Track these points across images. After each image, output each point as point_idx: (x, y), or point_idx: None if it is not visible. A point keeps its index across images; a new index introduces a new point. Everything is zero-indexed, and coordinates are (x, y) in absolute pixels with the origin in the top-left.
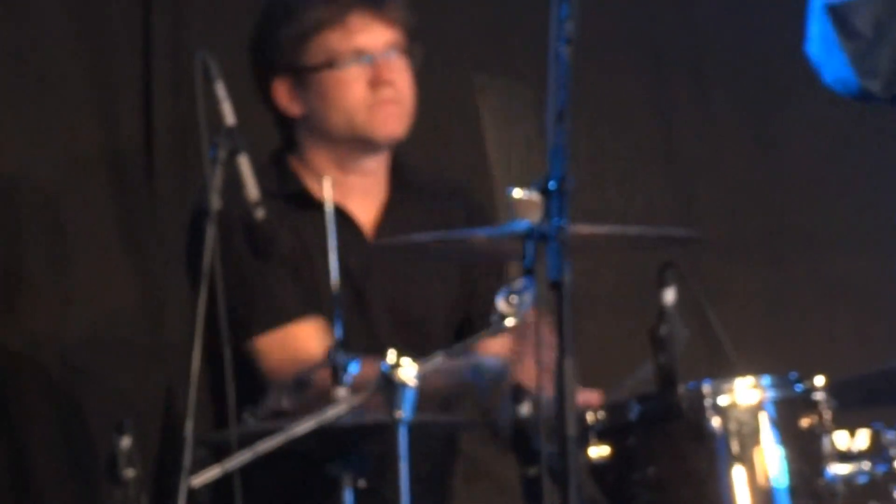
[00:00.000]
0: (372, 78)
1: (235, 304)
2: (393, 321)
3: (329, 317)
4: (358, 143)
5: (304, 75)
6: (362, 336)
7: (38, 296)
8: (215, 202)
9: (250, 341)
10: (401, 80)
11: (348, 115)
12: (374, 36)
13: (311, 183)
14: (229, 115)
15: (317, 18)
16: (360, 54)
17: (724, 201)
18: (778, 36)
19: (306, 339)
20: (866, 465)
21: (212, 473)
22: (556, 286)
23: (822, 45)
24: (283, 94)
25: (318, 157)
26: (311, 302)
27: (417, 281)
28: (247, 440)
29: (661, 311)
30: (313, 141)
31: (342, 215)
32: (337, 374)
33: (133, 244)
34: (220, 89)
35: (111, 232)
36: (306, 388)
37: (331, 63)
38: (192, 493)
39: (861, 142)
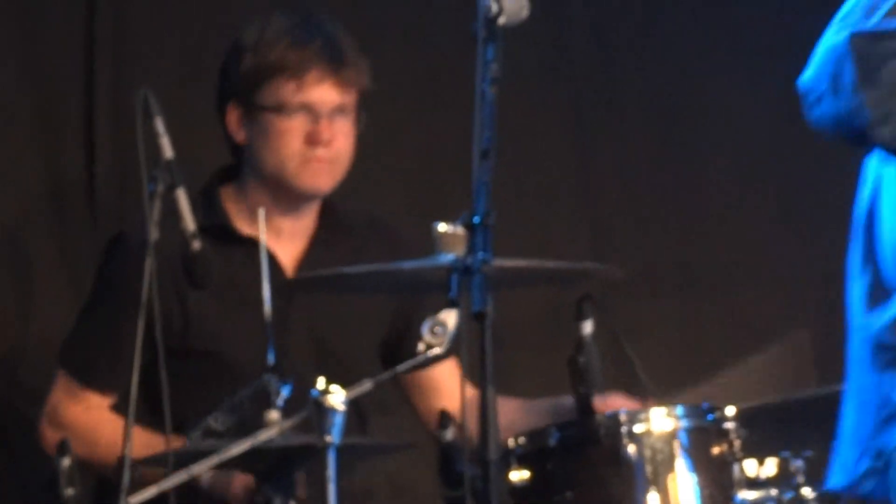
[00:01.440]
0: (311, 133)
1: (79, 331)
2: (314, 354)
3: (253, 344)
4: (286, 191)
5: (253, 110)
6: (286, 369)
7: None
8: (154, 233)
9: (60, 366)
10: (339, 140)
11: (281, 160)
12: (325, 95)
13: (237, 217)
14: (168, 150)
15: (277, 62)
16: (307, 108)
17: (638, 236)
18: (693, 74)
19: (86, 408)
20: (774, 491)
21: (149, 493)
22: (479, 317)
23: (824, 75)
24: (233, 120)
25: (255, 189)
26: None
27: (341, 316)
28: (183, 461)
29: (579, 342)
30: (252, 175)
31: (274, 261)
32: (269, 398)
33: (75, 273)
34: (160, 125)
35: (54, 261)
36: (238, 411)
37: (278, 108)
38: None
39: (773, 179)
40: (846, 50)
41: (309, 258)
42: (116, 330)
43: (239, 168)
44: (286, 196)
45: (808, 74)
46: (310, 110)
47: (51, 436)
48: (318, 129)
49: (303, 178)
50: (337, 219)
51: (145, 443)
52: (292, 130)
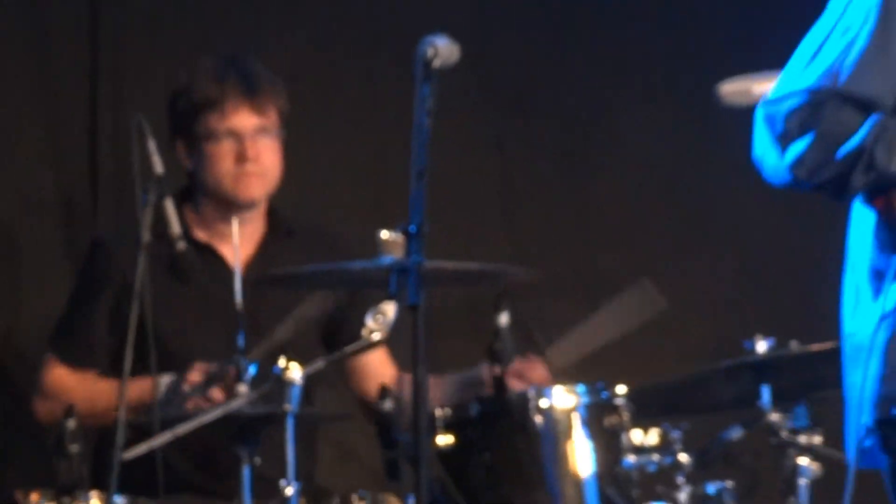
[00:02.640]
0: (238, 154)
1: (62, 320)
2: (287, 349)
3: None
4: (225, 202)
5: (192, 141)
6: (235, 352)
7: (13, 310)
8: (146, 236)
9: (49, 350)
10: (264, 155)
11: (217, 180)
12: (244, 119)
13: (195, 228)
14: (158, 166)
15: (202, 99)
16: (232, 133)
17: (548, 243)
18: (599, 103)
19: (70, 383)
20: (656, 457)
21: (139, 449)
22: (413, 309)
23: (761, 144)
24: (181, 151)
25: (205, 204)
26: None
27: (287, 307)
28: (168, 423)
29: (496, 331)
30: (201, 191)
31: (214, 255)
32: (239, 374)
33: (78, 269)
34: (151, 145)
35: (61, 259)
36: (214, 383)
37: (209, 137)
38: (123, 465)
39: (665, 193)
40: (761, 117)
41: (257, 259)
42: (93, 317)
43: (192, 189)
44: (228, 207)
45: (753, 149)
46: (234, 134)
47: (41, 406)
48: (244, 148)
49: (238, 191)
50: (282, 225)
51: (136, 392)
52: (223, 153)
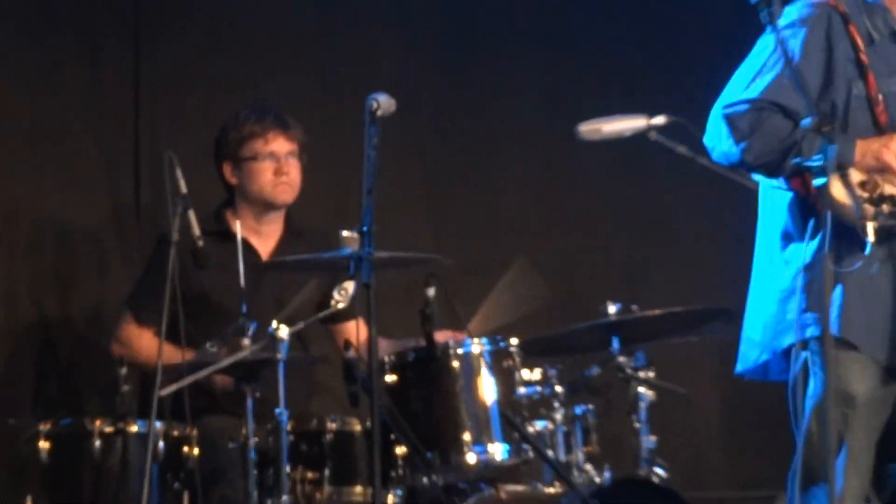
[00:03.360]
0: (276, 170)
1: (137, 288)
2: (274, 307)
3: (238, 303)
4: (265, 205)
5: (239, 162)
6: (254, 315)
7: (80, 290)
8: (175, 236)
9: (126, 308)
10: (293, 172)
11: (261, 188)
12: (280, 146)
13: (233, 226)
14: (183, 188)
15: (249, 132)
16: (271, 155)
17: (462, 236)
18: (497, 120)
19: (139, 337)
20: (539, 388)
21: (172, 388)
22: (367, 286)
23: (716, 135)
24: (228, 171)
25: (244, 210)
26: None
27: (291, 284)
28: (193, 368)
29: (426, 301)
30: (242, 201)
31: (248, 246)
32: (244, 330)
33: (129, 257)
34: (178, 172)
35: (116, 251)
36: (228, 339)
37: (254, 158)
38: (161, 400)
39: (548, 193)
40: (719, 115)
41: (278, 251)
42: (157, 288)
43: (232, 199)
44: (265, 209)
45: (706, 137)
46: (273, 156)
47: (117, 350)
48: (280, 166)
49: (275, 196)
50: (295, 228)
51: (171, 355)
52: (265, 170)
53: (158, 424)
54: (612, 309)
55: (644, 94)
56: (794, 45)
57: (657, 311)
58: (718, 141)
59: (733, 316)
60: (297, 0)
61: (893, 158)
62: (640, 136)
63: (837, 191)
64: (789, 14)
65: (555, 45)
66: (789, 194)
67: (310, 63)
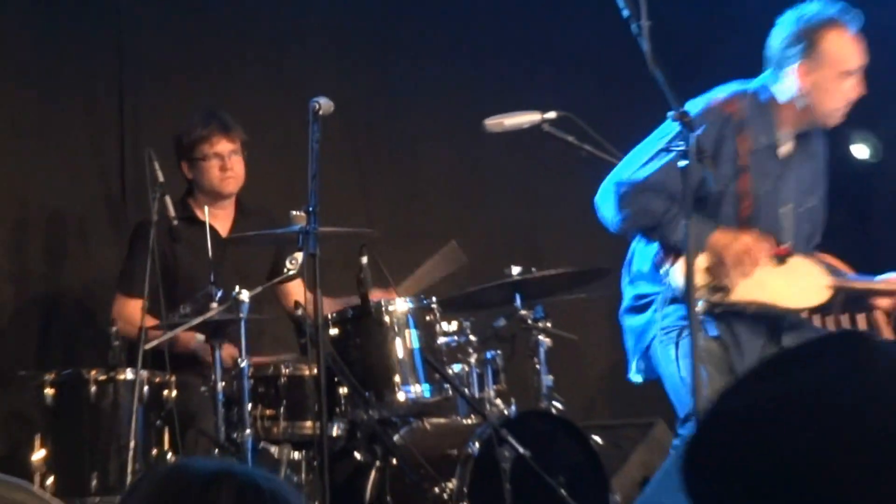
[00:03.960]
0: (221, 166)
1: (124, 270)
2: (236, 276)
3: (206, 275)
4: (216, 195)
5: (193, 161)
6: (219, 283)
7: (77, 264)
8: (154, 217)
9: (117, 290)
10: (236, 166)
11: (211, 182)
12: (223, 146)
13: (197, 212)
14: (160, 178)
15: (198, 136)
16: (216, 155)
17: (390, 213)
18: (419, 111)
19: (133, 309)
20: (455, 337)
21: (154, 343)
22: (312, 256)
23: (605, 200)
24: (185, 168)
25: (201, 199)
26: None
27: (249, 256)
28: (173, 326)
29: (360, 267)
30: (198, 191)
31: (211, 228)
32: (212, 296)
33: (116, 239)
34: (156, 165)
35: (105, 233)
36: (198, 305)
37: (203, 158)
38: (145, 353)
39: (479, 166)
40: (612, 185)
41: (233, 229)
42: (140, 265)
43: (192, 190)
44: (217, 198)
45: (597, 197)
46: (218, 155)
47: (121, 328)
48: (224, 163)
49: (223, 187)
50: (244, 209)
51: (152, 318)
52: (213, 167)
53: (143, 373)
54: (515, 270)
55: (538, 93)
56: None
57: (551, 272)
58: (605, 206)
59: (612, 274)
60: (256, 17)
61: (730, 258)
62: (535, 128)
63: (679, 269)
64: (695, 105)
65: (465, 53)
66: (655, 248)
67: (265, 70)
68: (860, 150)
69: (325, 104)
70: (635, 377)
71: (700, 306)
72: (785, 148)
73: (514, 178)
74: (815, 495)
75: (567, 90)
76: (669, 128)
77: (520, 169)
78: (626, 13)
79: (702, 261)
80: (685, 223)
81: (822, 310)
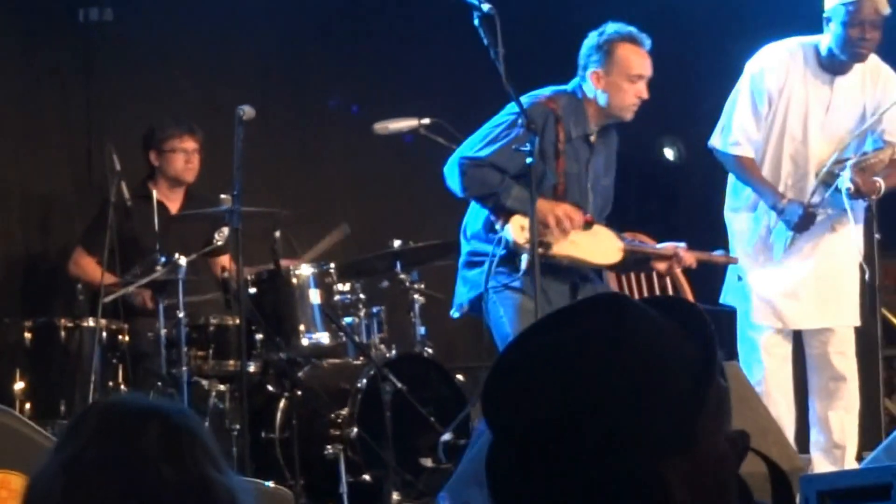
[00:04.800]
0: (185, 160)
1: (86, 231)
2: (180, 246)
3: (152, 248)
4: (177, 181)
5: (162, 152)
6: (164, 251)
7: (53, 234)
8: (112, 198)
9: (79, 244)
10: (195, 161)
11: (175, 171)
12: (189, 144)
13: (156, 193)
14: (118, 166)
15: (171, 134)
16: (184, 150)
17: (299, 194)
18: (320, 120)
19: (87, 263)
20: (348, 296)
21: (111, 297)
22: (236, 230)
23: (451, 174)
24: (153, 156)
25: (161, 183)
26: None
27: (192, 231)
28: (129, 283)
29: (274, 240)
30: (161, 177)
31: (163, 206)
32: (157, 261)
33: (83, 215)
34: (115, 157)
35: (75, 210)
36: (146, 268)
37: (173, 151)
38: (104, 305)
39: (369, 161)
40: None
41: (182, 208)
42: (100, 232)
43: (153, 175)
44: (176, 184)
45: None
46: (185, 151)
47: (72, 270)
48: (188, 158)
49: (185, 176)
50: (191, 193)
51: (109, 277)
52: (178, 159)
53: (102, 321)
54: (396, 243)
55: (418, 100)
56: (515, 125)
57: (424, 244)
58: (451, 177)
59: None
60: (196, 35)
61: (552, 220)
62: (414, 131)
63: (510, 227)
64: (526, 100)
65: (361, 66)
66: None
67: (202, 79)
68: (669, 154)
69: (248, 110)
70: (455, 314)
71: (524, 261)
72: (593, 137)
73: (397, 170)
74: (577, 436)
75: (439, 99)
76: (504, 116)
77: (401, 162)
78: (485, 41)
79: (525, 222)
80: (519, 197)
81: (617, 268)
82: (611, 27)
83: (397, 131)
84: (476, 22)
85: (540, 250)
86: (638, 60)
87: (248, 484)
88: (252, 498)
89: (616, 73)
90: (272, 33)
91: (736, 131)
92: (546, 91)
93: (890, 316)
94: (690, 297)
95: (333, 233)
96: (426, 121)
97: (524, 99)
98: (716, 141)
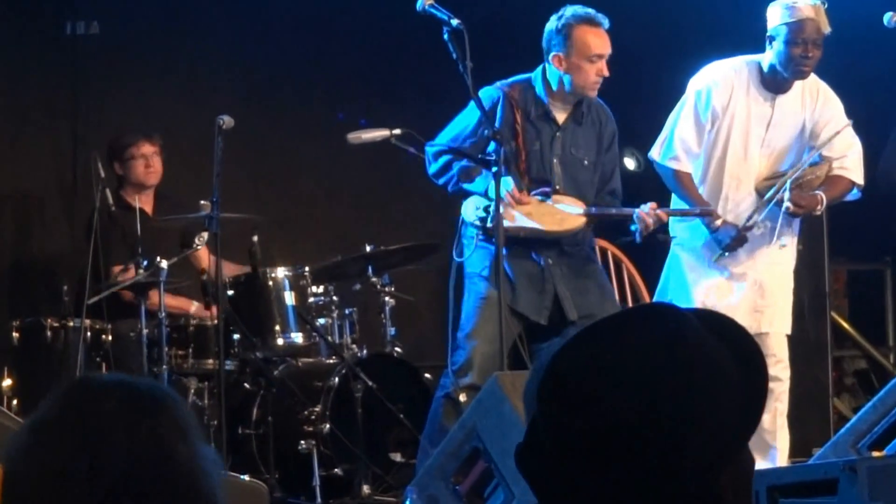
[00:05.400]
0: (145, 164)
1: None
2: (159, 248)
3: (134, 250)
4: (141, 186)
5: (123, 161)
6: (145, 254)
7: (40, 238)
8: (97, 203)
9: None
10: (156, 164)
11: (137, 176)
12: (147, 149)
13: (130, 200)
14: (102, 173)
15: (127, 142)
16: (142, 156)
17: (278, 199)
18: (301, 120)
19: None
20: (321, 298)
21: (95, 298)
22: (216, 234)
23: (426, 160)
24: (117, 167)
25: (129, 189)
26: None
27: (168, 232)
28: (108, 287)
29: (252, 243)
30: (127, 184)
31: (142, 212)
32: (139, 264)
33: (69, 219)
34: (99, 165)
35: (62, 215)
36: (129, 268)
37: (132, 158)
38: (89, 306)
39: (344, 169)
40: None
41: (155, 213)
42: (108, 244)
43: (122, 183)
44: (142, 189)
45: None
46: (143, 156)
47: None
48: (148, 162)
49: (146, 180)
50: (161, 196)
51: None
52: (140, 165)
53: (87, 322)
54: (368, 248)
55: (389, 112)
56: (477, 111)
57: (394, 247)
58: (426, 164)
59: (439, 250)
60: (179, 47)
61: (511, 203)
62: (385, 141)
63: (466, 206)
64: (488, 91)
65: (338, 79)
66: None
67: (183, 90)
68: (630, 164)
69: (227, 120)
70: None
71: (477, 233)
72: (560, 116)
73: (371, 178)
74: (635, 444)
75: (412, 109)
76: (471, 113)
77: (375, 170)
78: (454, 55)
79: (479, 202)
80: (476, 179)
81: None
82: (569, 10)
83: (370, 141)
84: (445, 36)
85: (492, 225)
86: (596, 41)
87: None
88: (220, 470)
89: (576, 55)
90: (252, 47)
91: (676, 145)
92: (508, 80)
93: (839, 319)
94: (647, 297)
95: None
96: (398, 131)
97: (486, 91)
98: (655, 153)
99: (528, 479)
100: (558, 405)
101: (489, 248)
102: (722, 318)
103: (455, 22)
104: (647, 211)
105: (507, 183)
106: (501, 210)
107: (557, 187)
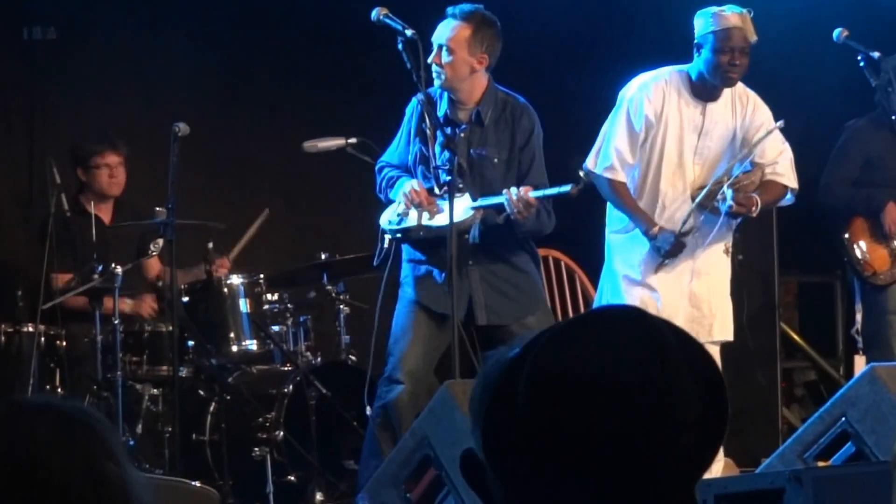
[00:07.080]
0: (109, 174)
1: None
2: (115, 255)
3: (87, 256)
4: (103, 195)
5: (87, 168)
6: (101, 260)
7: None
8: (52, 209)
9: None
10: (120, 175)
11: (100, 185)
12: (112, 160)
13: (87, 206)
14: (58, 179)
15: (92, 150)
16: (107, 166)
17: (231, 206)
18: (261, 124)
19: (62, 279)
20: (276, 305)
21: (49, 304)
22: (170, 241)
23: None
24: (80, 173)
25: (91, 196)
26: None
27: (126, 238)
28: (72, 290)
29: (207, 249)
30: (89, 191)
31: (99, 218)
32: (94, 269)
33: (25, 226)
34: (55, 170)
35: (19, 221)
36: (85, 275)
37: (97, 167)
38: (43, 311)
39: (299, 177)
40: None
41: (114, 220)
42: (59, 249)
43: (83, 189)
44: (104, 198)
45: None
46: (108, 166)
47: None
48: (111, 172)
49: (109, 190)
50: (120, 204)
51: (64, 278)
52: (103, 173)
53: (41, 327)
54: (323, 256)
55: (342, 121)
56: (405, 123)
57: (349, 256)
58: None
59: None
60: (135, 53)
61: (404, 199)
62: (341, 150)
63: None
64: (412, 101)
65: (293, 85)
66: None
67: (140, 97)
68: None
69: (183, 127)
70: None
71: (387, 238)
72: (462, 116)
73: (324, 188)
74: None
75: (366, 118)
76: (407, 123)
77: (330, 180)
78: (409, 65)
79: (392, 208)
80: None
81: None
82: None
83: (326, 149)
84: (400, 46)
85: (398, 227)
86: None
87: (148, 479)
88: (149, 492)
89: (456, 61)
90: (208, 54)
91: (611, 155)
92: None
93: (789, 331)
94: (592, 292)
95: (257, 221)
96: (353, 140)
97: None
98: (591, 163)
99: (474, 487)
100: (541, 407)
101: (407, 254)
102: (692, 343)
103: (409, 32)
104: (514, 195)
105: (403, 183)
106: (426, 211)
107: (461, 185)
